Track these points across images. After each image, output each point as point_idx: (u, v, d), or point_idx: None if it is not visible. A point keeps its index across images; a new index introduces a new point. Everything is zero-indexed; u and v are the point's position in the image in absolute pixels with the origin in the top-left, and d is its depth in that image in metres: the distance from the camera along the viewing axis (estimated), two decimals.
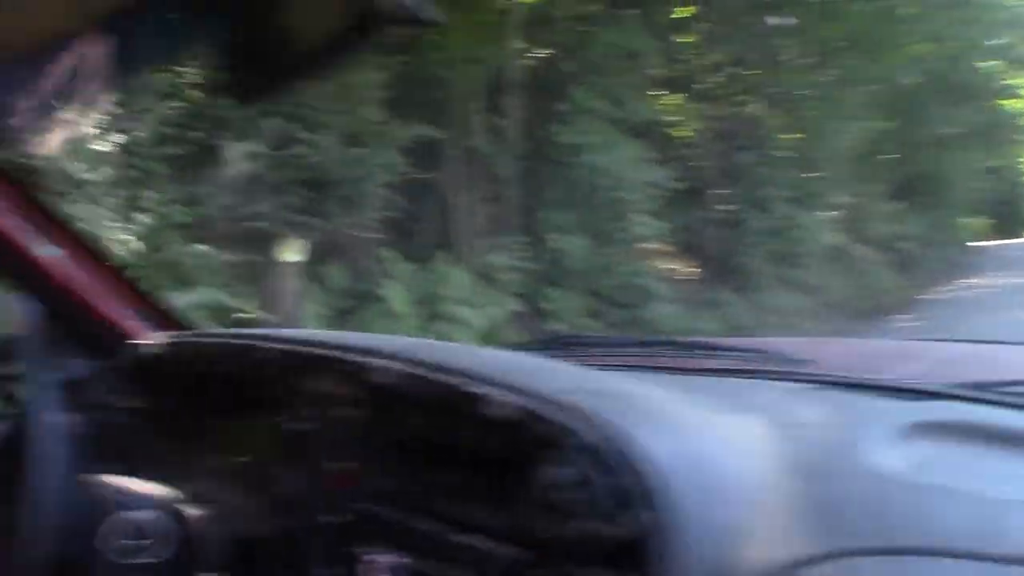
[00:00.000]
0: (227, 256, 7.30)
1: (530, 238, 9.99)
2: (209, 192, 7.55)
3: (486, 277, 9.13)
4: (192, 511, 1.38)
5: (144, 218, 6.71)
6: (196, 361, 1.61)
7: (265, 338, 1.45)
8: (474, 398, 1.11)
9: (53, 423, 1.08)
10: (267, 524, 1.42)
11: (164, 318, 1.95)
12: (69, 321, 1.86)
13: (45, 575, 1.05)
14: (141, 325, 1.92)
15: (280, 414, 1.46)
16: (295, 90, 1.10)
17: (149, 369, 1.76)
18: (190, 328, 1.97)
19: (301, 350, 1.37)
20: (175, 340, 1.69)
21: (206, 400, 1.77)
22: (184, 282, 6.53)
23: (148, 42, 1.02)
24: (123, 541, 1.25)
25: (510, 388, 1.12)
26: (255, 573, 1.39)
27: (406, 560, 1.19)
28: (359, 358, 1.28)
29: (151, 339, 1.79)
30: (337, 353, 1.32)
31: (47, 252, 1.77)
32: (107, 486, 1.30)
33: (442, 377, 1.18)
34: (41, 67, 1.28)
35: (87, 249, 1.83)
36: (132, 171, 6.76)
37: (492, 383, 1.13)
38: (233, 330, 1.67)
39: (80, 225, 1.85)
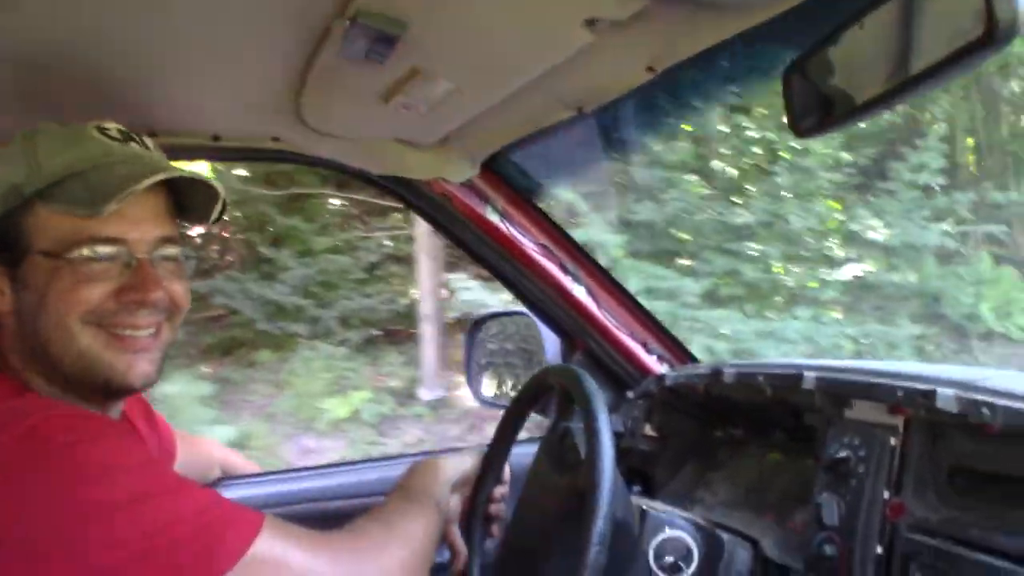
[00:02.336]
0: None
1: None
2: None
3: None
4: (721, 534, 1.40)
5: None
6: (720, 392, 1.63)
7: (797, 367, 1.43)
8: None
9: (611, 443, 1.15)
10: (788, 551, 1.39)
11: (678, 351, 2.03)
12: (591, 354, 2.02)
13: None
14: (656, 358, 2.02)
15: (812, 441, 1.42)
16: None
17: (671, 400, 1.84)
18: (700, 361, 2.02)
19: (841, 377, 1.33)
20: (694, 373, 1.73)
21: (730, 427, 1.79)
22: None
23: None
24: (671, 558, 1.31)
25: None
26: None
27: None
28: (909, 384, 1.20)
29: (672, 371, 1.86)
30: (883, 380, 1.25)
31: (576, 289, 1.94)
32: (652, 505, 1.36)
33: (1015, 404, 1.06)
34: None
35: (610, 285, 1.97)
36: None
37: None
38: (759, 361, 1.66)
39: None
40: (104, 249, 1.05)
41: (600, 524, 1.08)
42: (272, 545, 1.02)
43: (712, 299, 7.49)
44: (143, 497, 0.96)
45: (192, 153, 1.70)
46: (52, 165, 1.04)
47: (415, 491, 1.30)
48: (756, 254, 7.72)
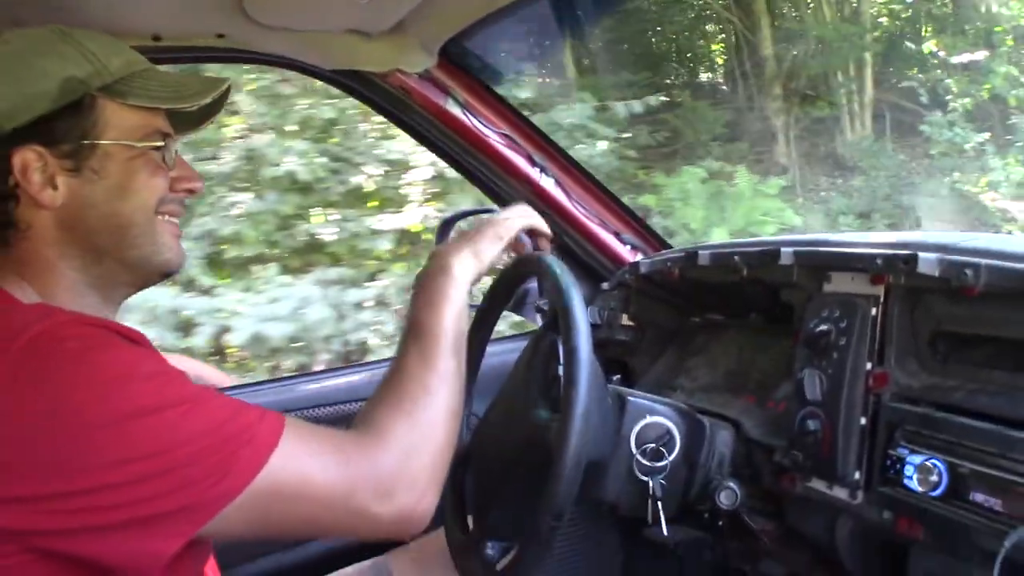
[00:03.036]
0: None
1: None
2: None
3: None
4: (702, 418, 1.39)
5: None
6: (695, 276, 1.60)
7: (773, 244, 1.39)
8: None
9: (588, 333, 1.11)
10: (770, 431, 1.38)
11: (652, 239, 2.00)
12: (564, 248, 1.98)
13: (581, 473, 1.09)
14: (629, 248, 1.99)
15: (790, 321, 1.40)
16: None
17: (646, 288, 1.80)
18: (673, 247, 1.99)
19: (819, 250, 1.29)
20: (668, 258, 1.69)
21: (707, 312, 1.76)
22: None
23: None
24: (653, 444, 1.29)
25: None
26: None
27: (936, 459, 1.08)
28: (889, 252, 1.16)
29: (645, 260, 1.82)
30: (862, 250, 1.21)
31: (545, 181, 1.89)
32: (631, 394, 1.34)
33: (997, 263, 1.03)
34: None
35: (579, 175, 1.92)
36: None
37: None
38: (733, 240, 1.63)
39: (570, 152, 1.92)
40: (167, 142, 1.11)
41: (559, 498, 1.04)
42: (292, 459, 0.97)
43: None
44: (153, 408, 0.91)
45: None
46: (115, 63, 1.08)
47: (430, 338, 1.15)
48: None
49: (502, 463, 1.28)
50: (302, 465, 0.98)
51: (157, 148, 1.09)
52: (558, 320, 1.23)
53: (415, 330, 1.16)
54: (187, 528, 0.92)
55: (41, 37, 1.07)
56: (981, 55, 8.79)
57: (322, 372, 2.00)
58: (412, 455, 1.05)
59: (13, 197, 1.04)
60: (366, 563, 1.71)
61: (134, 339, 1.02)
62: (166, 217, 1.13)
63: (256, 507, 0.95)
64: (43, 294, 1.04)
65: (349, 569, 1.72)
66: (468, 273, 1.21)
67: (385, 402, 1.10)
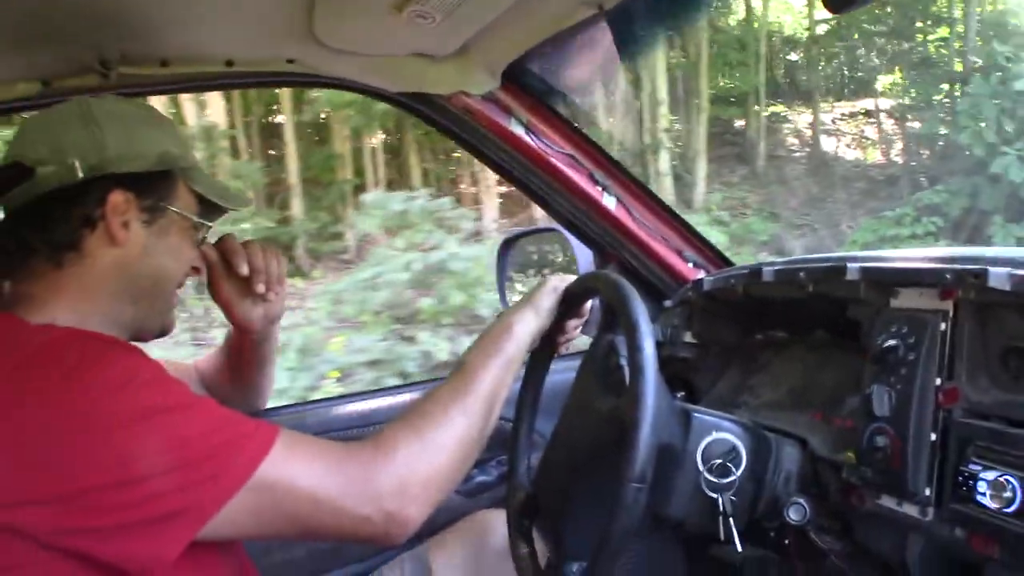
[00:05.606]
0: None
1: None
2: None
3: None
4: (768, 434, 1.38)
5: None
6: (759, 293, 1.59)
7: (839, 259, 1.38)
8: None
9: (655, 373, 1.12)
10: (838, 448, 1.37)
11: (714, 256, 1.99)
12: (626, 266, 1.99)
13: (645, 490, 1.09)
14: (691, 265, 1.99)
15: (856, 337, 1.39)
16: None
17: (709, 305, 1.80)
18: (735, 264, 1.98)
19: (886, 266, 1.28)
20: (731, 275, 1.69)
21: (770, 329, 1.75)
22: None
23: None
24: (719, 461, 1.29)
25: None
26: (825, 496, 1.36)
27: (1010, 475, 1.06)
28: (958, 267, 1.15)
29: (708, 277, 1.82)
30: (930, 265, 1.20)
31: (608, 200, 1.90)
32: (696, 410, 1.34)
33: None
34: None
35: (641, 193, 1.93)
36: None
37: None
38: (798, 257, 1.62)
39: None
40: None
41: (639, 463, 1.06)
42: (281, 466, 1.02)
43: None
44: (155, 411, 0.97)
45: (207, 81, 1.66)
46: (191, 154, 1.30)
47: (470, 374, 1.24)
48: None
49: (575, 470, 1.29)
50: (294, 468, 1.04)
51: (207, 227, 1.32)
52: (614, 319, 1.25)
53: (459, 367, 1.27)
54: (186, 531, 0.97)
55: (151, 112, 1.27)
56: None
57: (336, 398, 2.01)
58: (410, 466, 1.10)
59: (92, 225, 1.16)
60: (405, 555, 1.72)
61: (129, 349, 1.09)
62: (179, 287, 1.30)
63: (250, 508, 1.00)
64: (75, 321, 1.12)
65: (385, 564, 1.75)
66: (528, 327, 1.34)
67: (401, 419, 1.17)
